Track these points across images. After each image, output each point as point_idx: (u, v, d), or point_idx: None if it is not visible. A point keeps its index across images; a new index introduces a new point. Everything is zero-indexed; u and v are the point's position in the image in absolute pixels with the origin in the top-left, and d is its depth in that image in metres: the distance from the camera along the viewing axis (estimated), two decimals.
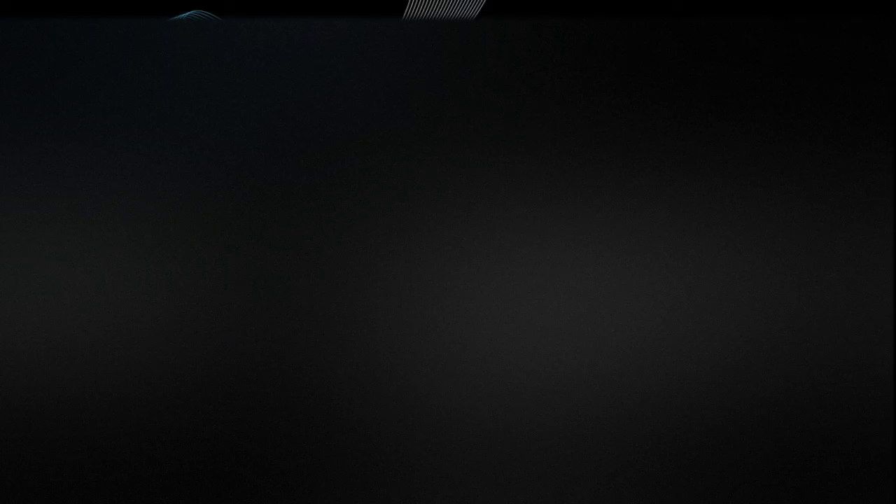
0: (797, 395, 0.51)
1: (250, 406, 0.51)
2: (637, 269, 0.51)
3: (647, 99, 0.52)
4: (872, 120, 0.52)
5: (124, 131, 0.51)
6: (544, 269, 0.51)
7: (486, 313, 0.51)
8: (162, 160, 0.51)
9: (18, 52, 0.51)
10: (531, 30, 0.52)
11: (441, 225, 0.51)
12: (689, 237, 0.52)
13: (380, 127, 0.52)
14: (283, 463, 0.51)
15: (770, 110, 0.52)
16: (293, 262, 0.51)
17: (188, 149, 0.51)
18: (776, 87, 0.52)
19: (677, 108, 0.52)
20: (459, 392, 0.51)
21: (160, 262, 0.51)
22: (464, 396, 0.51)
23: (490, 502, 0.51)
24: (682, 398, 0.51)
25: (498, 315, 0.51)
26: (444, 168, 0.52)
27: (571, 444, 0.51)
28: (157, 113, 0.52)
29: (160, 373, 0.51)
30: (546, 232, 0.51)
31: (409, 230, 0.51)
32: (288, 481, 0.51)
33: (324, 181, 0.51)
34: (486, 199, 0.52)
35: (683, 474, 0.51)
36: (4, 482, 0.50)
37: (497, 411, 0.51)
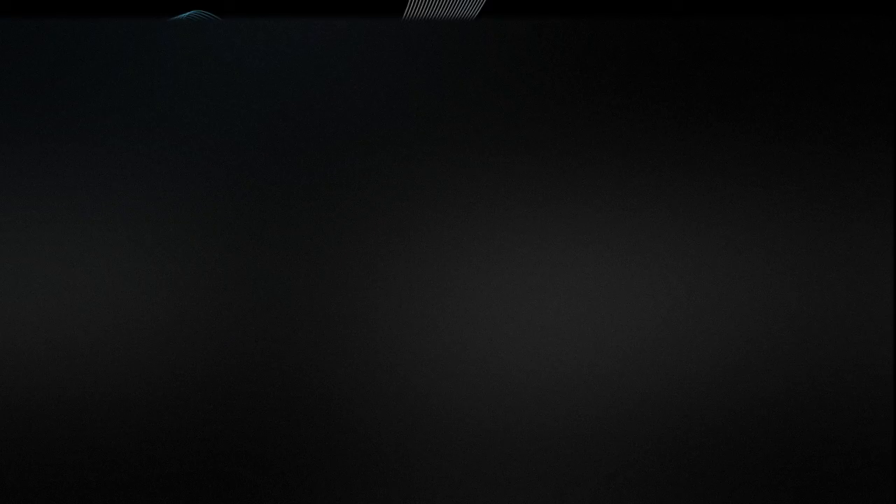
0: (797, 395, 0.51)
1: (250, 406, 0.51)
2: (637, 269, 0.51)
3: (647, 99, 0.52)
4: (872, 120, 0.52)
5: (124, 131, 0.51)
6: (544, 269, 0.51)
7: (486, 313, 0.51)
8: (162, 160, 0.51)
9: (18, 52, 0.51)
10: (531, 30, 0.52)
11: (441, 225, 0.51)
12: (689, 237, 0.52)
13: (380, 127, 0.52)
14: (283, 463, 0.51)
15: (770, 110, 0.52)
16: (293, 262, 0.51)
17: (188, 149, 0.51)
18: (776, 87, 0.52)
19: (677, 108, 0.52)
20: (459, 392, 0.51)
21: (160, 262, 0.51)
22: (464, 396, 0.51)
23: (490, 502, 0.51)
24: (682, 398, 0.51)
25: (498, 315, 0.51)
26: (444, 168, 0.52)
27: (571, 444, 0.51)
28: (157, 113, 0.51)
29: (160, 373, 0.51)
30: (546, 232, 0.51)
31: (409, 230, 0.51)
32: (288, 481, 0.51)
33: (324, 181, 0.51)
34: (486, 199, 0.52)
35: (683, 474, 0.51)
36: (4, 482, 0.50)
37: (497, 411, 0.51)
